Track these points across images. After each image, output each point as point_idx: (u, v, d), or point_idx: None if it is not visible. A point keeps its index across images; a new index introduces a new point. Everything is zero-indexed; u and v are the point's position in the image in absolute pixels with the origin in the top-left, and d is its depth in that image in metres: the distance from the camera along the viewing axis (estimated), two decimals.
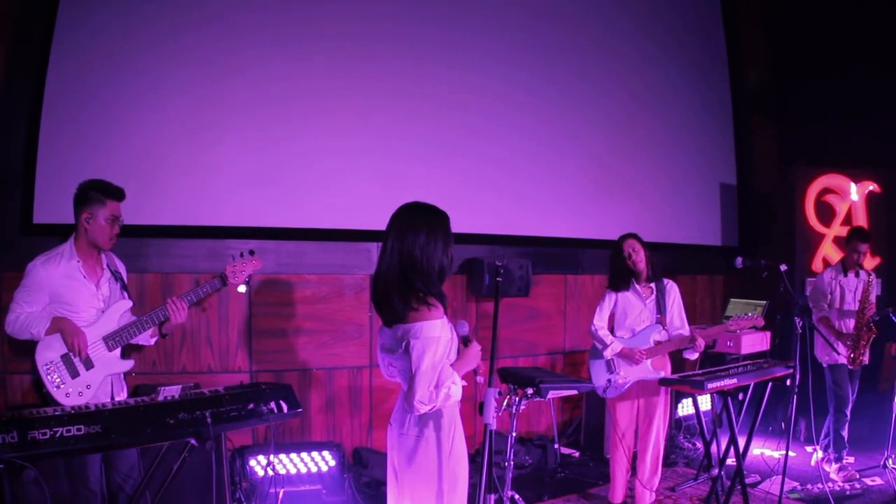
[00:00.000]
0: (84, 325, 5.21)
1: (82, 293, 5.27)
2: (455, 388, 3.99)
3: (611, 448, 7.22)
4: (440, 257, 4.01)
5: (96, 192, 5.27)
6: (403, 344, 3.92)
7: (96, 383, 5.21)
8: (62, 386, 5.10)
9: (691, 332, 6.97)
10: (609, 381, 6.96)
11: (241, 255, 5.78)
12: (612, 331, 7.15)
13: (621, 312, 7.13)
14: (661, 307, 7.03)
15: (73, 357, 5.14)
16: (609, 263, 7.24)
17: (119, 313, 5.40)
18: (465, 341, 4.21)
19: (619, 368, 6.95)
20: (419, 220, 4.03)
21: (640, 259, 7.01)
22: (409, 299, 3.91)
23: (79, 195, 5.30)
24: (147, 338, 5.57)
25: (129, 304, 5.52)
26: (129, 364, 5.45)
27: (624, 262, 7.04)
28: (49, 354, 5.12)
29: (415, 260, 3.94)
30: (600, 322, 7.11)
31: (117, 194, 5.34)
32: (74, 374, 5.14)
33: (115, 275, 5.52)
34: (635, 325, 7.05)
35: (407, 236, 3.97)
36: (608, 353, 6.97)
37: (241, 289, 5.83)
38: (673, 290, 7.12)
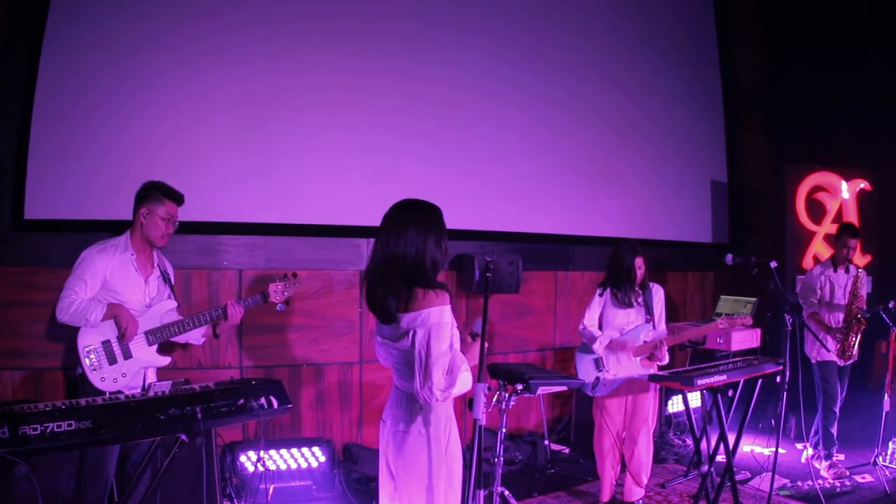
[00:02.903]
0: None
1: (132, 286, 5.51)
2: (467, 374, 4.02)
3: (598, 446, 7.21)
4: (432, 251, 3.98)
5: (157, 192, 5.56)
6: (410, 334, 3.91)
7: (131, 373, 5.44)
8: (98, 370, 5.33)
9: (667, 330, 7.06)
10: (598, 378, 6.96)
11: (285, 276, 6.08)
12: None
13: (611, 313, 7.13)
14: (648, 308, 7.05)
15: (112, 345, 5.37)
16: (608, 264, 7.23)
17: (163, 311, 5.65)
18: (473, 337, 4.28)
19: (608, 366, 6.96)
20: (408, 216, 4.01)
21: (642, 274, 7.05)
22: (405, 294, 3.90)
23: (140, 192, 5.57)
24: (197, 337, 5.88)
25: (174, 304, 5.76)
26: (165, 360, 5.67)
27: (626, 271, 7.01)
28: (90, 339, 5.36)
29: (405, 257, 3.92)
30: (590, 321, 7.13)
31: (177, 197, 5.65)
32: (112, 360, 5.38)
33: (165, 275, 5.76)
34: (624, 326, 7.07)
35: (397, 233, 3.96)
36: (598, 347, 6.97)
37: (281, 307, 6.05)
38: (659, 294, 7.20)
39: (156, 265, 5.69)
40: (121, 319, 5.33)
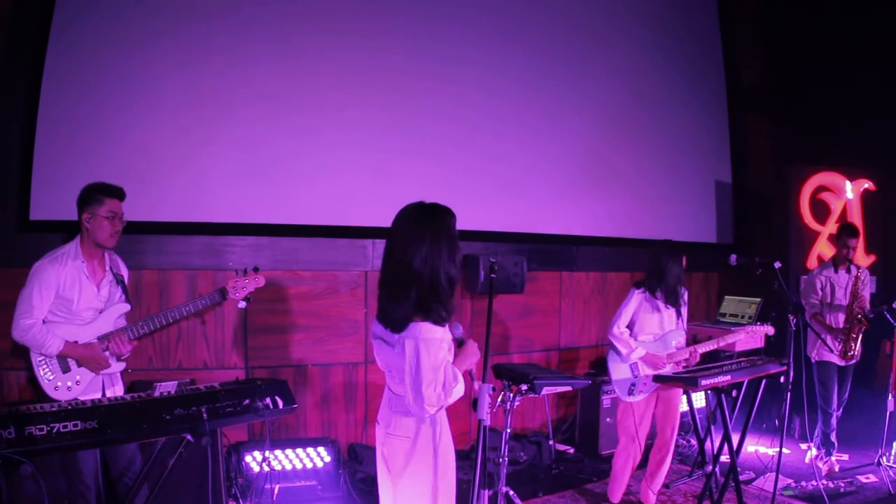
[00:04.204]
0: (81, 324, 5.32)
1: (84, 293, 5.36)
2: (459, 386, 3.96)
3: (623, 448, 7.05)
4: (446, 266, 3.84)
5: (95, 192, 5.39)
6: (399, 344, 3.86)
7: (86, 380, 5.33)
8: (52, 379, 5.23)
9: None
10: (634, 384, 6.87)
11: (245, 271, 5.83)
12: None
13: (645, 316, 6.96)
14: (679, 312, 7.00)
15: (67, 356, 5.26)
16: (652, 267, 7.02)
17: (116, 316, 5.52)
18: (459, 343, 4.16)
19: (643, 370, 6.85)
20: (421, 226, 3.86)
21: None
22: (412, 311, 3.82)
23: (80, 197, 5.41)
24: None
25: (127, 307, 5.62)
26: (121, 365, 5.53)
27: (675, 276, 6.88)
28: None
29: (419, 273, 3.81)
30: (623, 326, 6.93)
31: (117, 193, 5.44)
32: (66, 369, 5.27)
33: (118, 278, 5.61)
34: (658, 330, 6.96)
35: (405, 246, 3.83)
36: (634, 357, 6.82)
37: (242, 304, 5.84)
38: (684, 295, 7.09)
39: (107, 268, 5.55)
40: (86, 363, 5.28)
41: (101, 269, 5.52)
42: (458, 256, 3.95)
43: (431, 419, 4.08)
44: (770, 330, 7.15)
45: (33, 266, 5.32)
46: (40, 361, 5.23)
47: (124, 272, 5.74)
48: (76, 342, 5.27)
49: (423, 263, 3.80)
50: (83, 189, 5.44)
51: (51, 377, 5.22)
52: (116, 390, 5.57)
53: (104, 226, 5.36)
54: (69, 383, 5.25)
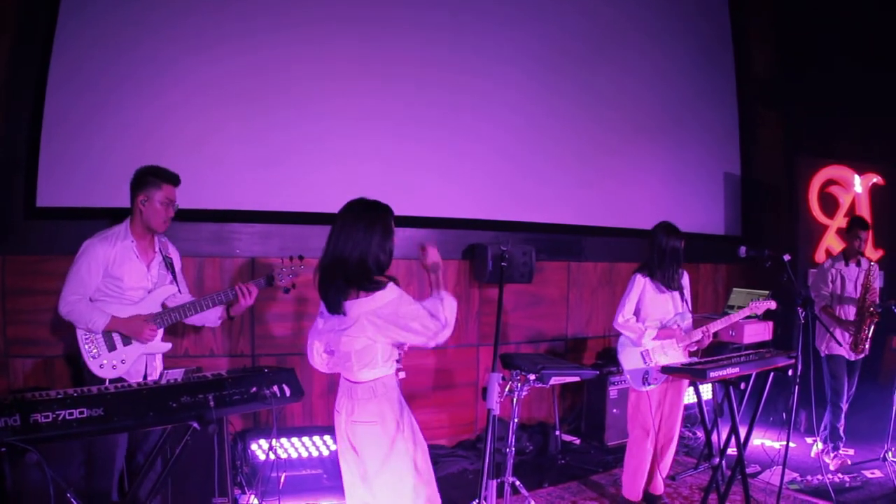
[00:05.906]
0: (129, 304, 5.40)
1: (134, 272, 5.45)
2: (448, 300, 4.44)
3: (635, 442, 6.87)
4: (376, 251, 4.27)
5: (153, 177, 5.47)
6: (362, 318, 4.21)
7: (131, 359, 5.39)
8: (97, 357, 5.29)
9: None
10: (647, 373, 6.73)
11: (291, 258, 5.96)
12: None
13: (650, 302, 6.83)
14: (682, 294, 6.95)
15: (112, 331, 5.33)
16: (649, 248, 6.92)
17: (164, 297, 5.61)
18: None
19: (655, 358, 6.74)
20: (356, 217, 4.31)
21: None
22: (348, 290, 4.18)
23: (136, 179, 5.49)
24: (214, 319, 5.83)
25: (175, 289, 5.70)
26: (166, 346, 5.62)
27: (670, 253, 6.75)
28: None
29: (350, 258, 4.22)
30: (629, 314, 6.81)
31: (173, 179, 5.55)
32: (112, 347, 5.34)
33: (167, 260, 5.69)
34: (664, 315, 6.84)
35: (343, 234, 4.27)
36: (646, 341, 6.71)
37: (285, 291, 6.02)
38: (686, 278, 7.01)
39: (157, 250, 5.63)
40: (133, 336, 5.35)
41: (150, 249, 5.60)
42: (390, 246, 4.37)
43: (398, 400, 4.40)
44: (772, 304, 7.07)
45: (83, 244, 5.40)
46: (86, 338, 5.29)
47: (174, 256, 5.84)
48: (120, 319, 5.34)
49: (354, 248, 4.23)
50: (139, 171, 5.52)
51: (96, 354, 5.29)
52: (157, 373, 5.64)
53: (159, 211, 5.46)
54: (114, 362, 5.32)
